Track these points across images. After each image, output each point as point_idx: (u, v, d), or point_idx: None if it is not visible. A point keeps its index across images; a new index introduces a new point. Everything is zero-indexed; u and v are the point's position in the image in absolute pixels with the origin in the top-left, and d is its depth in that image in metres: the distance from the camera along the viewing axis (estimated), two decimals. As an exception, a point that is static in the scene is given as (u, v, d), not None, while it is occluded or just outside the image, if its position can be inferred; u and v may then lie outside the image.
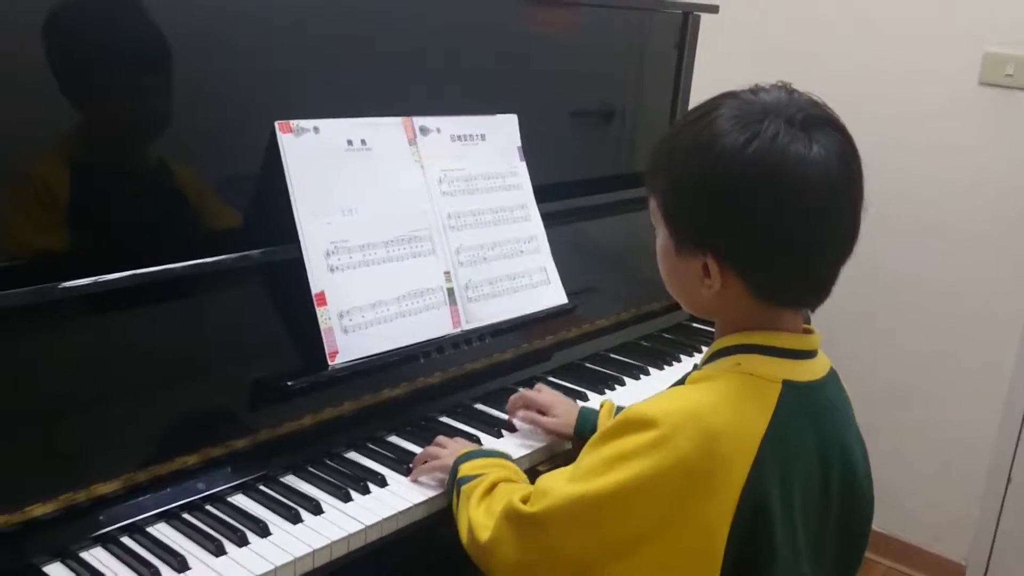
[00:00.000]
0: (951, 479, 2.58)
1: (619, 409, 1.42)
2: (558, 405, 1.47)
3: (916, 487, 2.62)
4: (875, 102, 2.47)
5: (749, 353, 1.01)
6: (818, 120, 0.96)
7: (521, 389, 1.56)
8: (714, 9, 2.18)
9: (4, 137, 1.16)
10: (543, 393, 1.51)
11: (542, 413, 1.47)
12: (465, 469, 1.21)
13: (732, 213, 0.96)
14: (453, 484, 1.22)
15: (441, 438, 1.37)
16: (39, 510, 1.09)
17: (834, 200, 0.96)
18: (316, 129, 1.42)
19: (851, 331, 2.58)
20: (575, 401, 1.53)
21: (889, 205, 2.46)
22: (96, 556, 1.11)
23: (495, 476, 1.18)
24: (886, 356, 2.62)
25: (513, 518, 1.05)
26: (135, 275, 1.23)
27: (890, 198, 2.46)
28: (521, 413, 1.48)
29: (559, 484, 1.01)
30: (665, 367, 1.82)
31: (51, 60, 1.17)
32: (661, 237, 1.06)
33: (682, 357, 1.87)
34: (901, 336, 2.60)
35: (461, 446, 1.32)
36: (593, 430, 1.39)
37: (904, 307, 2.58)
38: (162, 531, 1.17)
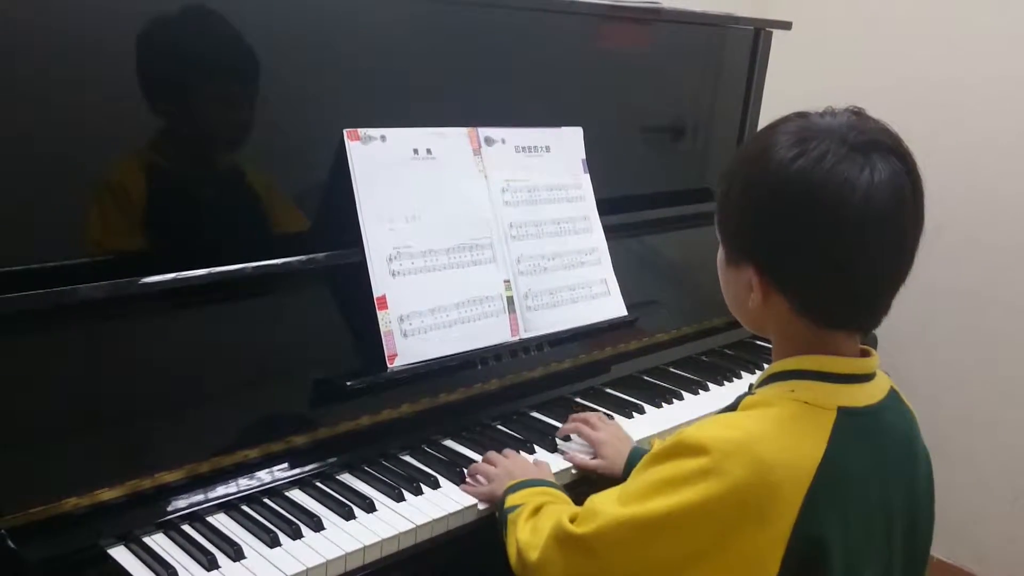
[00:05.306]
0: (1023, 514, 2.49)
1: None
2: (607, 444, 1.43)
3: (987, 519, 2.54)
4: (954, 123, 2.42)
5: (803, 379, 1.00)
6: (879, 146, 0.94)
7: (579, 400, 1.55)
8: (787, 26, 2.16)
9: (89, 141, 1.23)
10: (598, 430, 1.46)
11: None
12: (512, 499, 1.22)
13: (770, 226, 0.97)
14: (502, 516, 1.22)
15: (492, 454, 1.37)
16: (107, 495, 1.14)
17: (876, 227, 0.93)
18: (383, 137, 1.46)
19: (920, 354, 2.52)
20: (630, 438, 1.48)
21: (963, 225, 2.40)
22: (158, 541, 1.16)
23: (541, 500, 1.19)
24: (956, 380, 2.55)
25: (562, 538, 1.05)
26: (210, 273, 1.28)
27: (967, 218, 2.41)
28: (568, 455, 1.45)
29: (608, 505, 1.02)
30: (725, 383, 1.81)
31: (135, 69, 1.23)
32: (720, 247, 1.07)
33: (743, 374, 1.86)
34: (972, 360, 2.53)
35: (510, 468, 1.32)
36: None
37: (976, 329, 2.51)
38: (221, 521, 1.21)
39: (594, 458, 1.43)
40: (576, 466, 1.43)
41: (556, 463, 1.42)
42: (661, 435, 1.53)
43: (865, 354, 1.04)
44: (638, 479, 1.02)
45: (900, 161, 0.95)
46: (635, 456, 1.41)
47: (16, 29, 1.14)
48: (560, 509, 1.14)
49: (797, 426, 0.96)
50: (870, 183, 0.92)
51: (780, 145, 0.95)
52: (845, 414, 0.97)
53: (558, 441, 1.49)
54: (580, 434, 1.48)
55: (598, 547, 1.01)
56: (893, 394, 1.06)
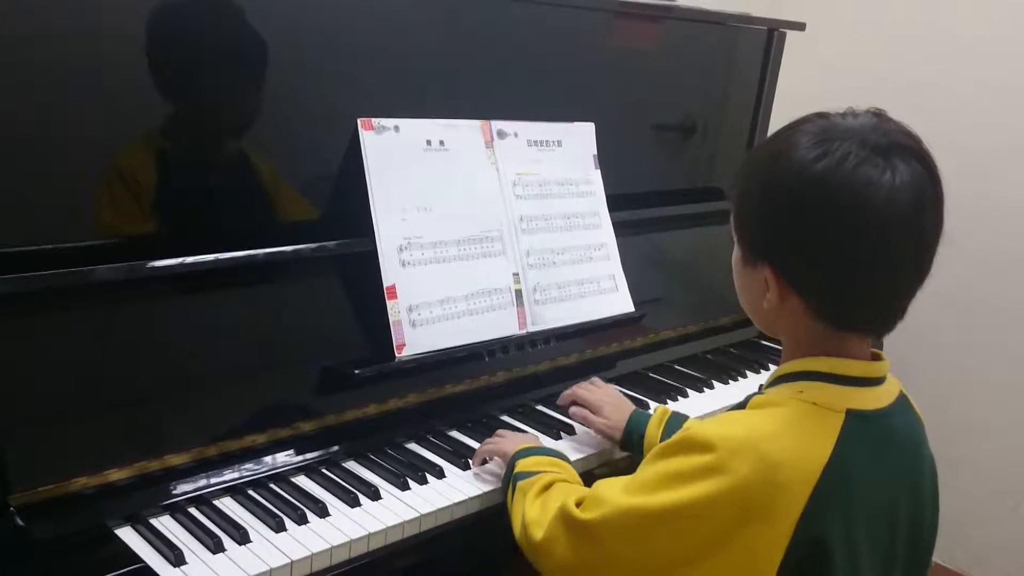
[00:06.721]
0: (1023, 519, 2.50)
1: (675, 415, 1.43)
2: (607, 407, 1.47)
3: (987, 523, 2.54)
4: (964, 127, 2.41)
5: (812, 380, 1.00)
6: (901, 148, 0.94)
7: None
8: (800, 26, 2.16)
9: (106, 126, 1.23)
10: (595, 392, 1.51)
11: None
12: (523, 465, 1.23)
13: (789, 227, 0.96)
14: (510, 478, 1.24)
15: (501, 430, 1.40)
16: (115, 475, 1.15)
17: (897, 230, 0.93)
18: (397, 128, 1.46)
19: (922, 358, 2.52)
20: (630, 404, 1.52)
21: (971, 231, 2.40)
22: (164, 523, 1.17)
23: (552, 476, 1.20)
24: (957, 385, 2.55)
25: (567, 522, 1.06)
26: (218, 259, 1.28)
27: (974, 224, 2.40)
28: (573, 409, 1.50)
29: (614, 494, 1.02)
30: (730, 382, 1.82)
31: (145, 58, 1.24)
32: (735, 247, 1.07)
33: (748, 373, 1.86)
34: (973, 364, 2.53)
35: (521, 438, 1.35)
36: (641, 438, 1.40)
37: (978, 334, 2.51)
38: (227, 504, 1.22)
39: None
40: (582, 420, 1.48)
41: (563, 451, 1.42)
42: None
43: (876, 358, 1.04)
44: (645, 470, 1.02)
45: (921, 164, 0.94)
46: (636, 419, 1.43)
47: (37, 17, 1.14)
48: (568, 489, 1.15)
49: (805, 427, 0.96)
50: (892, 185, 0.92)
51: (802, 145, 0.95)
52: (854, 417, 0.97)
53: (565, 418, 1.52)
54: (578, 398, 1.50)
55: (601, 534, 1.02)
56: (902, 399, 1.06)
